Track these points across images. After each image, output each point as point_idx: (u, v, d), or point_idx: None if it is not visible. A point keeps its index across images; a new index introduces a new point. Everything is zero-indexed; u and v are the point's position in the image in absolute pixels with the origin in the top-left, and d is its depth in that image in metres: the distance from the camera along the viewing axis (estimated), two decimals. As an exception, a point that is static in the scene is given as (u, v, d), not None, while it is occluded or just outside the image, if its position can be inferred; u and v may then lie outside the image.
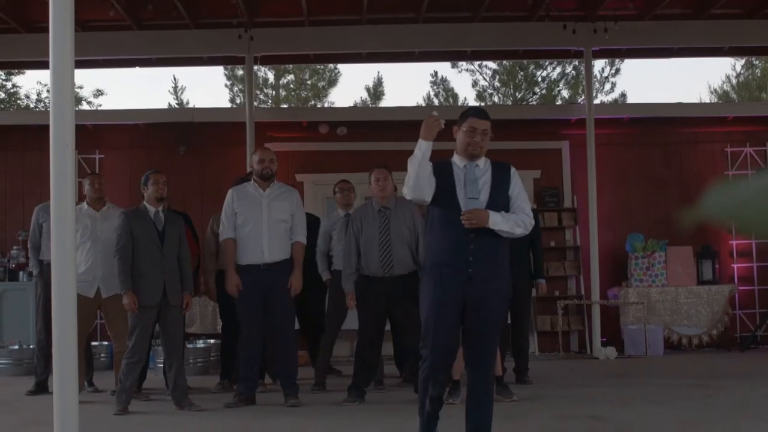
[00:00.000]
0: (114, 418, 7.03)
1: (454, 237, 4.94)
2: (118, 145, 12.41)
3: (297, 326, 10.00)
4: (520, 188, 5.12)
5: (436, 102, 28.91)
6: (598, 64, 27.17)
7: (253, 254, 7.50)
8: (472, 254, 4.90)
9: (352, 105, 27.82)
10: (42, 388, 8.32)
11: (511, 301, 8.16)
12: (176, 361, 7.43)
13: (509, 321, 8.72)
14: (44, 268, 8.33)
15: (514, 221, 4.98)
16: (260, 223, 7.50)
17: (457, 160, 5.10)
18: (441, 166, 5.07)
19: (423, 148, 4.88)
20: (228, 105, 28.22)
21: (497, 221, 4.91)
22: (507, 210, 5.01)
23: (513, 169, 5.15)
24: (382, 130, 12.24)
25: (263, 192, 7.59)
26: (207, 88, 44.28)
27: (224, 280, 8.10)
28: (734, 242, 12.44)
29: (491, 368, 5.04)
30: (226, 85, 29.86)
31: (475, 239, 4.90)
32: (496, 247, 4.97)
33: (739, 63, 29.80)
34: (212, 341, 10.59)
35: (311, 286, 8.69)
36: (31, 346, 9.79)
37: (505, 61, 27.55)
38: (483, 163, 5.09)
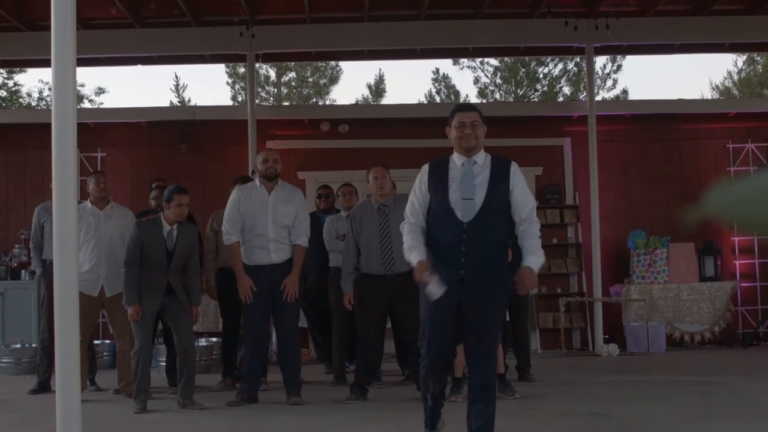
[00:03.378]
0: (116, 416, 7.04)
1: (448, 238, 4.92)
2: (120, 143, 12.42)
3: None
4: (523, 189, 5.01)
5: (438, 99, 28.90)
6: (600, 61, 27.18)
7: (260, 257, 7.51)
8: (464, 256, 4.86)
9: (353, 102, 27.83)
10: (44, 386, 8.32)
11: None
12: (189, 356, 7.45)
13: (507, 318, 8.74)
14: (48, 268, 8.34)
15: (537, 244, 4.99)
16: (266, 227, 7.50)
17: (456, 158, 5.07)
18: (437, 165, 5.09)
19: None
20: (230, 103, 28.26)
21: (538, 262, 4.98)
22: (505, 207, 4.95)
23: (514, 166, 5.03)
24: (383, 128, 12.24)
25: (269, 195, 7.58)
26: (209, 85, 44.41)
27: (224, 278, 8.12)
28: (736, 239, 12.44)
29: (492, 371, 4.98)
30: (227, 83, 29.92)
31: (467, 240, 4.84)
32: (490, 247, 4.90)
33: (740, 59, 29.79)
34: (214, 340, 10.59)
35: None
36: (34, 345, 9.80)
37: (506, 58, 27.54)
38: (482, 159, 5.03)
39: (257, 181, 7.71)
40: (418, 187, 5.13)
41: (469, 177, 4.96)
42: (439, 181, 5.01)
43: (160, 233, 7.39)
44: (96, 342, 9.58)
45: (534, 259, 4.95)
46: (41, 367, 8.44)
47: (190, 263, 7.54)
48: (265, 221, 7.51)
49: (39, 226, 8.55)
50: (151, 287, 7.32)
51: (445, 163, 5.08)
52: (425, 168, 5.16)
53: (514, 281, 5.03)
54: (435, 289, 4.83)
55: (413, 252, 5.00)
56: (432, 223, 5.02)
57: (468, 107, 5.18)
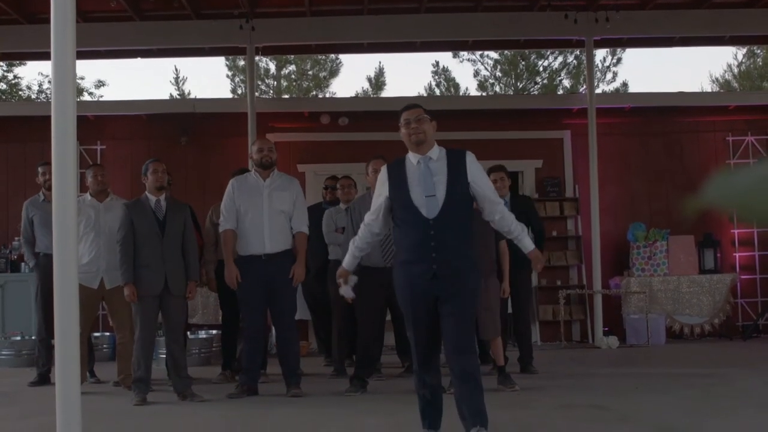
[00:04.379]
0: (116, 408, 7.04)
1: (416, 235, 4.98)
2: (120, 136, 12.42)
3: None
4: (480, 175, 5.11)
5: (437, 92, 28.88)
6: (600, 54, 27.16)
7: (254, 245, 7.49)
8: (434, 251, 4.92)
9: (353, 95, 27.79)
10: (44, 379, 8.34)
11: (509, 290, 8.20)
12: (176, 350, 7.45)
13: (509, 310, 8.74)
14: (40, 260, 8.40)
15: (518, 225, 5.22)
16: (261, 213, 7.50)
17: (411, 156, 5.17)
18: (394, 166, 5.21)
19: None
20: (229, 95, 28.21)
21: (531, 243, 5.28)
22: (466, 198, 5.05)
23: (470, 156, 5.12)
24: (383, 120, 12.14)
25: (263, 182, 7.59)
26: (208, 78, 44.41)
27: (224, 271, 8.12)
28: (736, 231, 12.45)
29: (472, 359, 5.00)
30: (227, 76, 29.86)
31: (435, 236, 4.91)
32: (458, 240, 4.98)
33: (740, 52, 29.76)
34: (214, 332, 10.61)
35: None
36: (33, 337, 9.81)
37: (506, 51, 27.50)
38: (437, 153, 5.12)
39: (253, 171, 7.73)
40: (378, 188, 5.27)
41: (427, 174, 5.04)
42: (397, 182, 5.11)
43: (147, 206, 7.49)
44: (96, 334, 9.60)
45: (530, 240, 5.28)
46: (40, 360, 8.46)
47: (186, 239, 7.55)
48: (260, 207, 7.51)
49: (29, 220, 8.63)
50: (149, 265, 7.32)
51: (401, 163, 5.19)
52: (383, 169, 5.31)
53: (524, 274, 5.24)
54: (346, 291, 5.47)
55: (346, 257, 5.44)
56: (400, 222, 5.10)
57: (411, 106, 5.29)
